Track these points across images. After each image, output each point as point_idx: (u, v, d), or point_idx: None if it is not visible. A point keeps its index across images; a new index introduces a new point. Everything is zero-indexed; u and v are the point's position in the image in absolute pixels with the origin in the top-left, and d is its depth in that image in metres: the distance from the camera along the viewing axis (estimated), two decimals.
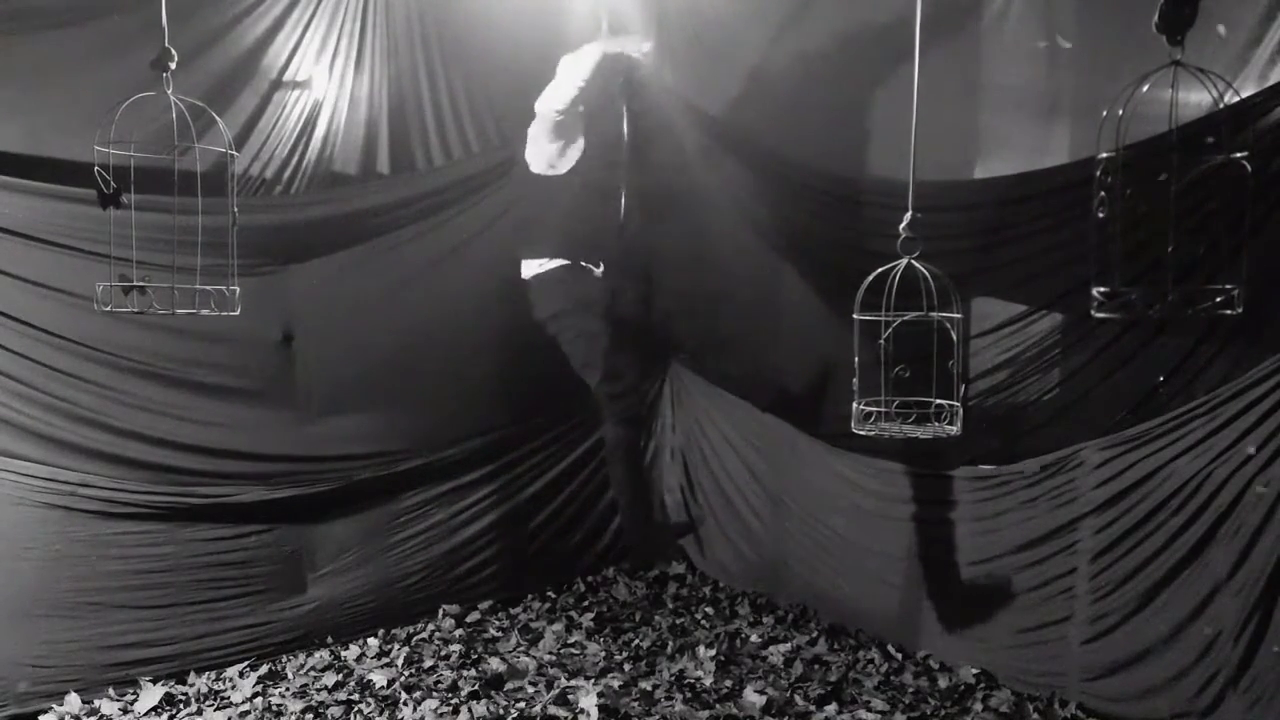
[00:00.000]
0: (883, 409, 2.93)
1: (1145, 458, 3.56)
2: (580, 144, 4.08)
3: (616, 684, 4.21)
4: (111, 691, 4.00)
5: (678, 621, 4.95)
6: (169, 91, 2.91)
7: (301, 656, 4.44)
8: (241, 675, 4.23)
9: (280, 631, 4.45)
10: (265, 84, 4.28)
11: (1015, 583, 4.04)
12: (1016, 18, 3.88)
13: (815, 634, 4.72)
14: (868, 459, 4.53)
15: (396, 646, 4.59)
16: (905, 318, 2.85)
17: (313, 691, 4.13)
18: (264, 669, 4.30)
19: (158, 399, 4.06)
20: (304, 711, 3.95)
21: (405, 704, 4.01)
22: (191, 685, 4.12)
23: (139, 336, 3.96)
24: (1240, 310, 2.49)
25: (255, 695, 4.09)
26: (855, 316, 2.91)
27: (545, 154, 4.06)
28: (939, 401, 2.99)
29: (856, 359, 2.92)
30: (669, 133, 4.87)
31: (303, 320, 4.40)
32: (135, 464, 4.01)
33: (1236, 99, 2.72)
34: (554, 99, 3.90)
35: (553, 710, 3.96)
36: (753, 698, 4.05)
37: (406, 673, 4.31)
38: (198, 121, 3.12)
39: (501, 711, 3.96)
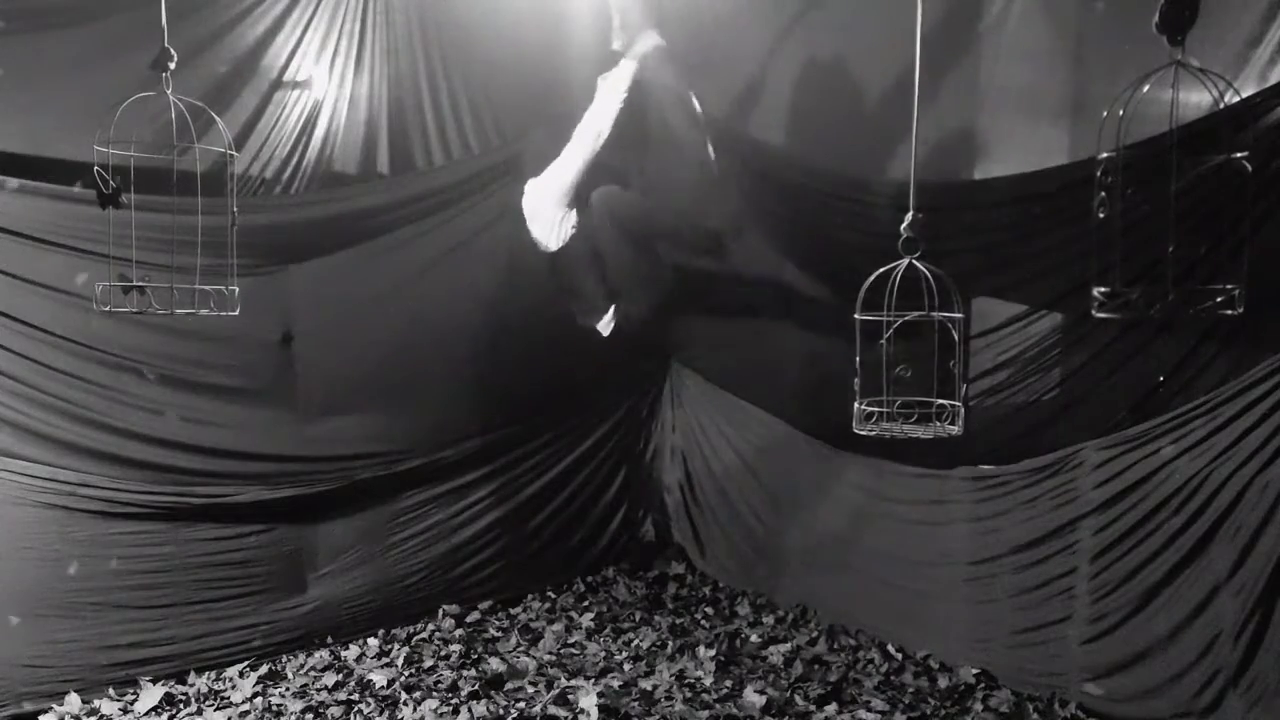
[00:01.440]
0: (884, 409, 2.93)
1: (1145, 458, 3.56)
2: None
3: (616, 684, 4.21)
4: (111, 691, 4.00)
5: (678, 621, 4.95)
6: (169, 91, 2.91)
7: (301, 656, 4.44)
8: (241, 675, 4.23)
9: (280, 631, 4.45)
10: (265, 84, 4.28)
11: (1015, 583, 4.05)
12: (1016, 18, 3.88)
13: (815, 634, 4.73)
14: (868, 459, 4.53)
15: (396, 646, 4.59)
16: (906, 317, 2.84)
17: (313, 691, 4.13)
18: (264, 669, 4.30)
19: (158, 399, 4.06)
20: (304, 711, 3.95)
21: (405, 704, 4.01)
22: (191, 685, 4.12)
23: (139, 336, 3.96)
24: (1241, 310, 2.49)
25: (255, 695, 4.09)
26: (856, 316, 2.90)
27: (558, 215, 3.85)
28: (940, 401, 2.99)
29: (858, 359, 2.91)
30: (669, 133, 4.85)
31: (303, 320, 4.40)
32: (135, 464, 4.01)
33: (1237, 99, 2.71)
34: (597, 122, 3.73)
35: (553, 710, 3.96)
36: (753, 698, 4.05)
37: (406, 673, 4.31)
38: (197, 121, 3.11)
39: (501, 711, 3.96)
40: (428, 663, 4.43)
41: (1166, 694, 3.58)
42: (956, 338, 2.88)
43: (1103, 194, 2.53)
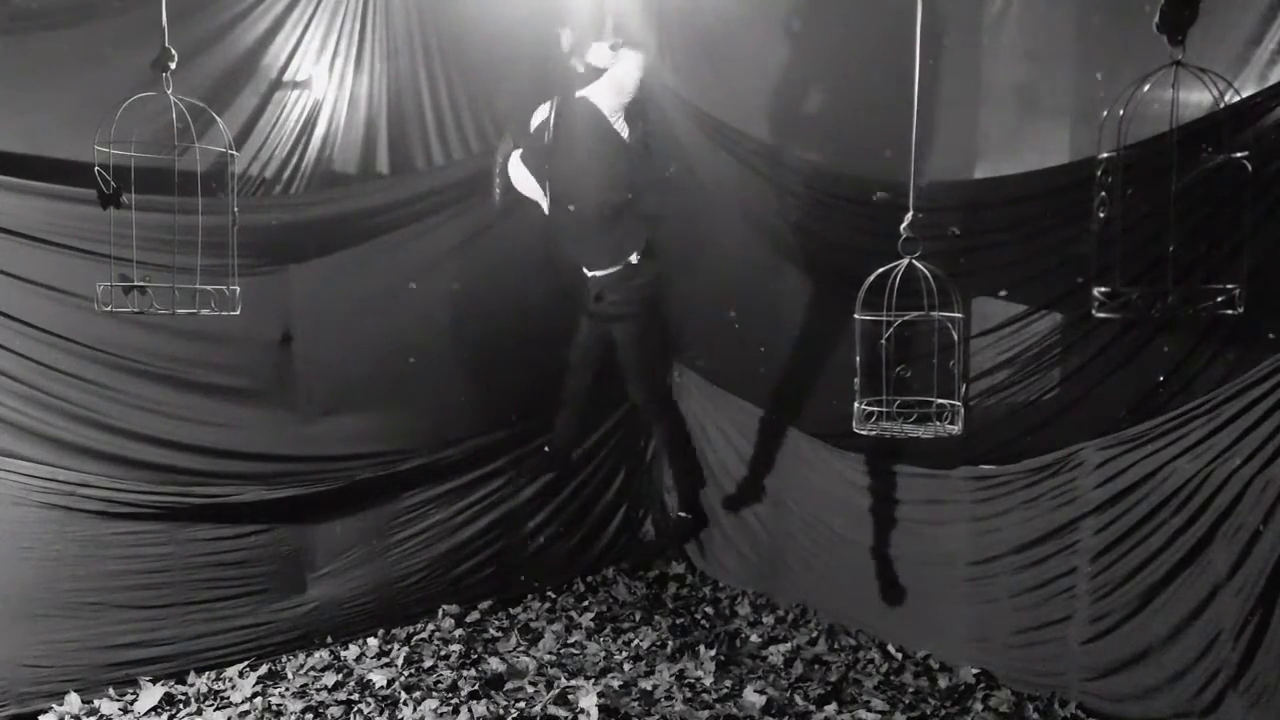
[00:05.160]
0: (884, 409, 2.93)
1: (1145, 458, 3.56)
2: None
3: (616, 684, 4.21)
4: (111, 691, 3.99)
5: (678, 621, 4.95)
6: (169, 91, 2.91)
7: (301, 656, 4.44)
8: (241, 675, 4.23)
9: (280, 631, 4.44)
10: (265, 84, 4.28)
11: (1015, 583, 4.05)
12: (1016, 18, 3.88)
13: (815, 634, 4.73)
14: (868, 459, 4.53)
15: (396, 646, 4.59)
16: (906, 318, 2.84)
17: (313, 691, 4.13)
18: (264, 669, 4.30)
19: (158, 399, 4.05)
20: (304, 711, 3.95)
21: (405, 704, 4.01)
22: (191, 685, 4.12)
23: (139, 336, 3.96)
24: (1241, 310, 2.49)
25: (255, 695, 4.09)
26: (856, 316, 2.91)
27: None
28: (940, 401, 2.99)
29: (858, 359, 2.91)
30: (669, 133, 4.86)
31: (303, 320, 4.40)
32: (135, 464, 4.01)
33: (1237, 99, 2.71)
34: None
35: (553, 710, 3.96)
36: (753, 698, 4.05)
37: (406, 673, 4.31)
38: (197, 121, 3.12)
39: (501, 711, 3.96)
40: (428, 663, 4.43)
41: (1166, 694, 3.59)
42: (956, 338, 2.88)
43: (1103, 194, 2.53)
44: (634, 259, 4.25)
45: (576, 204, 4.17)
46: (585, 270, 4.34)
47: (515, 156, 4.25)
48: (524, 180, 4.22)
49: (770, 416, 5.02)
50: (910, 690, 4.14)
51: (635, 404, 4.69)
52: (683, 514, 4.83)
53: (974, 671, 4.18)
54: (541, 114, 4.22)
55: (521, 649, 4.62)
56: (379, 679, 4.22)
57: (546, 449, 4.88)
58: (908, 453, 4.30)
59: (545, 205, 4.22)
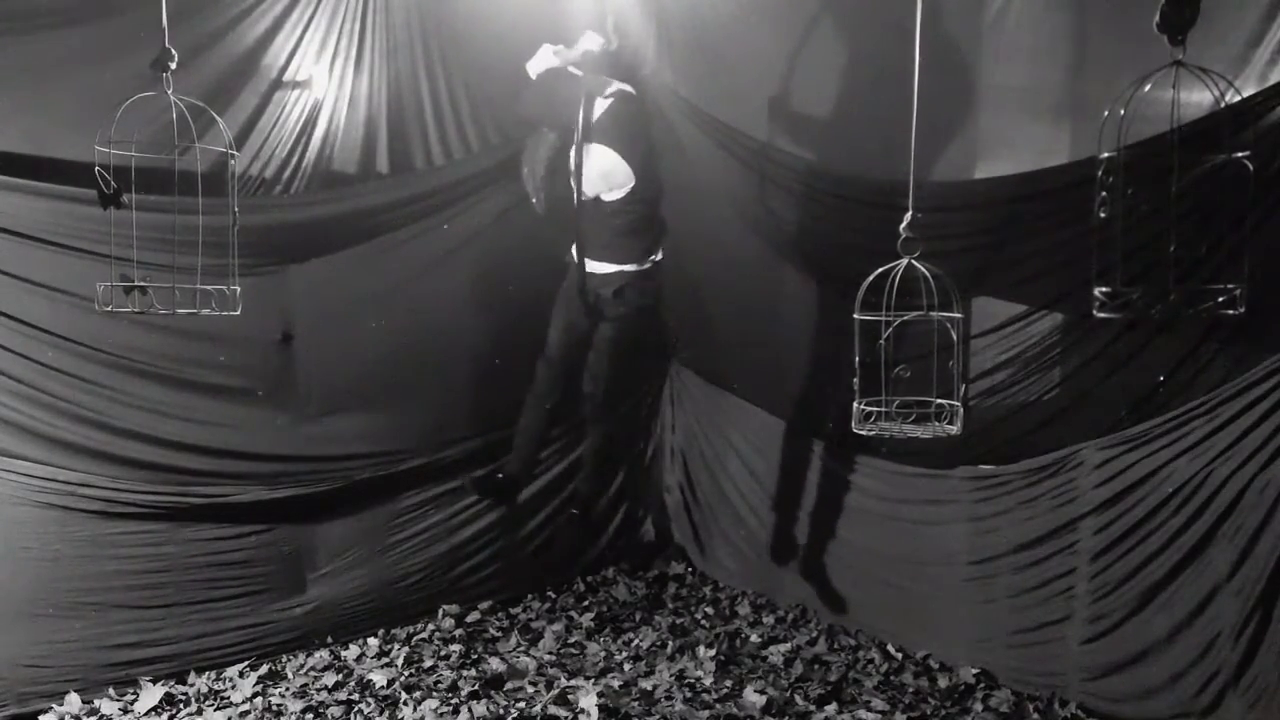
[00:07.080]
0: (883, 409, 2.93)
1: (1145, 458, 3.57)
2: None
3: (616, 684, 4.21)
4: (111, 691, 3.99)
5: (678, 621, 4.95)
6: (169, 91, 2.91)
7: (301, 656, 4.44)
8: (241, 675, 4.23)
9: (280, 631, 4.44)
10: (265, 84, 4.27)
11: (1015, 583, 4.05)
12: (1016, 18, 3.88)
13: (815, 634, 4.73)
14: (868, 459, 4.53)
15: (396, 646, 4.59)
16: (906, 318, 2.85)
17: (313, 691, 4.13)
18: (264, 669, 4.30)
19: (158, 399, 4.05)
20: (304, 711, 3.96)
21: (405, 704, 4.01)
22: (191, 685, 4.12)
23: (139, 336, 3.95)
24: (1242, 310, 2.50)
25: (255, 695, 4.09)
26: (855, 316, 2.91)
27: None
28: (939, 401, 2.99)
29: (857, 359, 2.91)
30: (669, 133, 4.86)
31: (303, 320, 4.39)
32: (135, 464, 4.00)
33: (1237, 99, 2.72)
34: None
35: (553, 710, 3.96)
36: (753, 698, 4.05)
37: (406, 673, 4.31)
38: (198, 121, 3.12)
39: (501, 711, 3.96)
40: (428, 663, 4.43)
41: (1166, 694, 3.59)
42: (955, 338, 2.88)
43: (1103, 194, 2.53)
44: (658, 255, 4.20)
45: (617, 196, 4.08)
46: (603, 267, 4.15)
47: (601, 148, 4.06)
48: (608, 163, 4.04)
49: (790, 433, 4.95)
50: (910, 690, 4.14)
51: (585, 392, 4.48)
52: (574, 511, 4.80)
53: (974, 671, 4.18)
54: (593, 106, 4.08)
55: (521, 649, 4.62)
56: (379, 679, 4.22)
57: (500, 475, 4.55)
58: (907, 453, 4.30)
59: (624, 194, 4.07)
